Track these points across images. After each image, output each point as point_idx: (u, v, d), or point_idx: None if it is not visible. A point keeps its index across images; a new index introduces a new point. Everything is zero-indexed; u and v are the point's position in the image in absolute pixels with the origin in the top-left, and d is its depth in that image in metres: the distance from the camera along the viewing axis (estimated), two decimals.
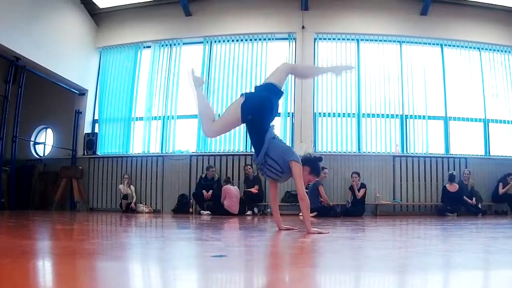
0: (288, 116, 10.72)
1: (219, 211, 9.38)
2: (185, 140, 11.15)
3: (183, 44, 11.61)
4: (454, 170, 10.32)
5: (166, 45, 11.66)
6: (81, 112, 11.63)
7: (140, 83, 11.64)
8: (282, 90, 4.43)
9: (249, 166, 10.17)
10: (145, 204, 10.62)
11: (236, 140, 10.80)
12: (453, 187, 9.78)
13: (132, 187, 10.71)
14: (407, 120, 10.76)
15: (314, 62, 10.83)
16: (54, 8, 10.26)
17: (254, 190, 9.90)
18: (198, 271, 2.17)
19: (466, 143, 10.83)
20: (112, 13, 11.73)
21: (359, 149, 10.64)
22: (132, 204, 10.37)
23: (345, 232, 4.95)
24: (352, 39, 11.10)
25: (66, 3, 10.68)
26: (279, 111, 10.52)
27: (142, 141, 11.32)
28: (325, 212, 9.02)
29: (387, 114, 10.74)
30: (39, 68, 9.83)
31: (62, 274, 2.00)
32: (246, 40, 11.24)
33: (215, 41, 11.39)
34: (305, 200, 4.24)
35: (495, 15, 10.94)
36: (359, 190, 9.54)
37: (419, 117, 10.78)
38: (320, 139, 10.67)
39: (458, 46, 11.16)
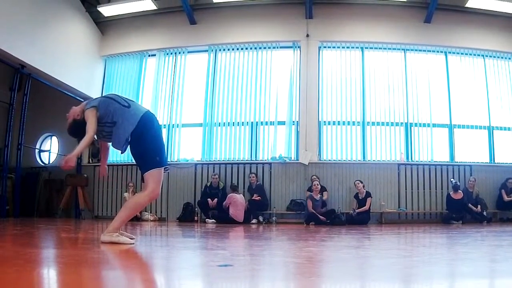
0: (293, 124, 10.70)
1: (224, 219, 9.35)
2: (190, 148, 11.14)
3: (188, 52, 11.65)
4: (459, 177, 10.26)
5: (171, 54, 11.69)
6: None
7: (145, 91, 11.66)
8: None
9: (253, 174, 10.16)
10: (150, 212, 10.60)
11: (241, 149, 10.80)
12: (457, 195, 9.72)
13: None
14: (412, 128, 10.73)
15: (318, 70, 10.86)
16: (59, 16, 10.31)
17: (256, 197, 9.89)
18: (204, 281, 2.17)
19: (471, 151, 10.77)
20: (117, 21, 11.78)
21: (364, 157, 10.60)
22: (137, 212, 10.36)
23: (351, 241, 4.94)
24: (357, 47, 11.11)
25: (71, 11, 10.75)
26: (284, 120, 10.66)
27: None
28: (331, 220, 9.03)
29: (392, 122, 10.71)
30: (44, 76, 9.86)
31: (67, 283, 2.00)
32: (251, 48, 11.28)
33: (219, 50, 11.44)
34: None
35: (498, 22, 10.92)
36: (365, 199, 9.51)
37: (424, 125, 10.73)
38: (325, 147, 10.64)
39: (462, 54, 11.14)
